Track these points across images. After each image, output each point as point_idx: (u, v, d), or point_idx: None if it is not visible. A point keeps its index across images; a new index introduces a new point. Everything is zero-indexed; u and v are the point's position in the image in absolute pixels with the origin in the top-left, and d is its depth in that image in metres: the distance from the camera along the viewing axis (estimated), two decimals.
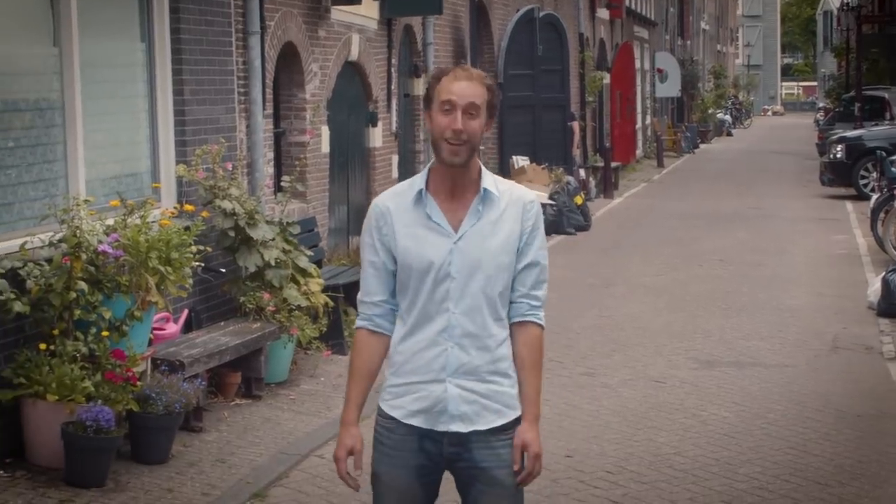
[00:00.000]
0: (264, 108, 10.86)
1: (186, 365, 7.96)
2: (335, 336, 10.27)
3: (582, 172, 23.92)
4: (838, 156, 25.87)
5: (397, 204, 3.98)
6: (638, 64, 35.67)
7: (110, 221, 7.74)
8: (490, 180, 3.99)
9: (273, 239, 9.46)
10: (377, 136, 14.40)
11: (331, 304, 9.91)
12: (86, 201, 7.52)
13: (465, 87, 3.90)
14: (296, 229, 9.98)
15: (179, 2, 9.30)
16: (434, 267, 3.92)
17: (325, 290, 9.92)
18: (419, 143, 16.37)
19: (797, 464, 7.71)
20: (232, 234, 9.27)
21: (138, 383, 7.24)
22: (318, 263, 10.78)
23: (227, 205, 9.20)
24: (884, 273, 13.10)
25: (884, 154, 20.22)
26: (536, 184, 19.53)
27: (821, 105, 63.36)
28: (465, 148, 3.89)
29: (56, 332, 7.11)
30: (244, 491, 7.00)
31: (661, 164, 35.09)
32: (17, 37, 7.87)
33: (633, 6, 35.27)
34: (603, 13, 30.40)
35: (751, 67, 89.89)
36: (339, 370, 9.67)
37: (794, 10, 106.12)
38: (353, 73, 13.78)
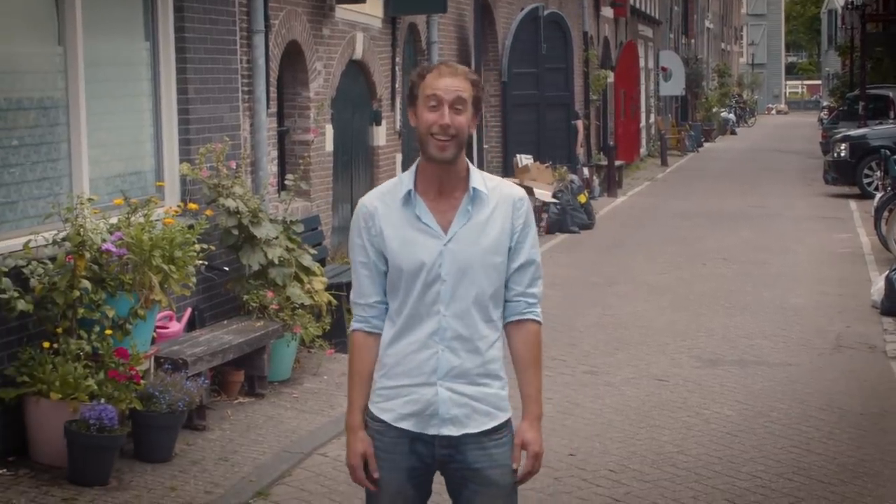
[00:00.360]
0: (268, 107, 10.87)
1: (190, 363, 7.96)
2: (338, 334, 10.28)
3: (586, 171, 23.93)
4: (842, 154, 25.85)
5: (385, 204, 3.93)
6: (642, 62, 35.65)
7: (114, 220, 7.75)
8: (478, 178, 3.94)
9: (276, 237, 9.47)
10: (381, 135, 14.41)
11: (334, 302, 9.92)
12: (89, 200, 7.52)
13: (451, 83, 3.86)
14: (299, 228, 9.99)
15: (184, 0, 9.30)
16: (424, 269, 3.88)
17: (329, 288, 9.93)
18: None
19: (800, 462, 7.71)
20: (235, 232, 9.27)
21: (141, 382, 7.25)
22: (322, 262, 10.79)
23: (230, 203, 9.21)
24: (887, 272, 13.09)
25: (888, 153, 20.22)
26: (540, 182, 19.55)
27: (825, 104, 63.25)
28: (453, 143, 3.85)
29: (59, 330, 7.12)
30: (247, 489, 7.00)
31: (664, 163, 35.05)
32: (22, 36, 7.88)
33: (637, 5, 35.25)
34: (607, 12, 30.39)
35: (755, 66, 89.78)
36: (342, 368, 9.68)
37: (798, 8, 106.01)
38: (357, 71, 13.78)
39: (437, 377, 3.90)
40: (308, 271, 9.75)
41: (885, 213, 16.69)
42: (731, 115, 56.71)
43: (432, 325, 3.89)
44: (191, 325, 8.99)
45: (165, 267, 7.51)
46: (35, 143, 7.83)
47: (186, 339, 8.54)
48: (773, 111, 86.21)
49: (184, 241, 7.74)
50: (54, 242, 7.28)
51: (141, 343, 7.48)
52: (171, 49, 9.25)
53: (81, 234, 7.24)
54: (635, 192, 27.04)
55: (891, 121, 30.76)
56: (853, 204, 23.79)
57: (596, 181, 25.23)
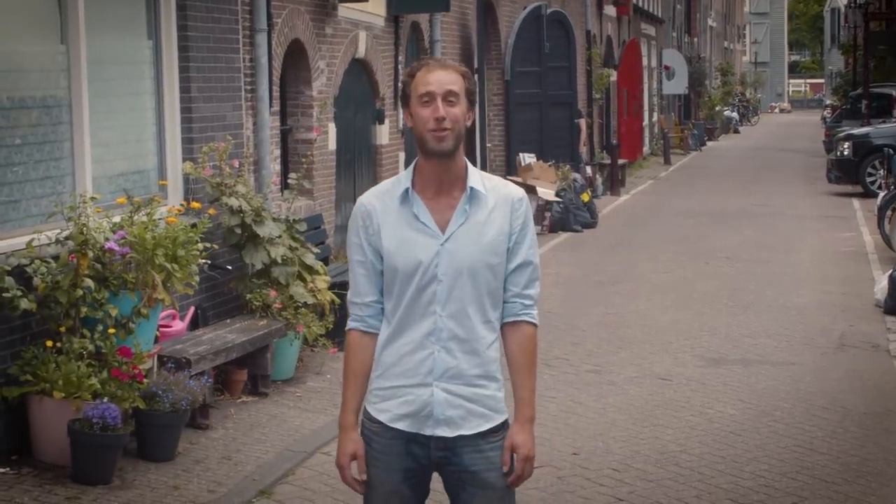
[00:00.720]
0: (271, 106, 10.87)
1: (193, 362, 7.96)
2: (341, 333, 10.16)
3: (589, 170, 23.91)
4: (845, 153, 25.83)
5: (383, 203, 3.91)
6: (645, 61, 35.63)
7: (117, 219, 7.74)
8: (477, 178, 3.92)
9: (279, 236, 9.47)
10: (384, 134, 14.41)
11: (337, 301, 9.91)
12: (92, 198, 7.52)
13: (442, 76, 3.84)
14: (302, 226, 9.98)
15: None
16: (420, 269, 3.85)
17: (332, 287, 9.92)
18: None
19: (803, 461, 7.71)
20: (238, 231, 9.27)
21: (144, 381, 7.25)
22: (325, 261, 10.79)
23: (233, 202, 9.21)
24: (891, 271, 13.07)
25: (891, 151, 20.23)
26: (543, 181, 19.54)
27: (828, 102, 63.25)
28: (450, 134, 3.82)
29: (63, 329, 7.12)
30: (250, 488, 7.00)
31: (667, 162, 35.04)
32: (25, 34, 7.87)
33: (640, 3, 35.23)
34: (610, 10, 30.38)
35: (758, 64, 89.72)
36: None
37: (801, 7, 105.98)
38: (360, 70, 13.78)
39: (433, 378, 3.88)
40: (311, 270, 9.75)
41: (889, 212, 16.68)
42: (734, 114, 56.68)
43: (428, 325, 3.87)
44: (194, 324, 8.99)
45: (168, 266, 7.51)
46: (38, 141, 7.83)
47: (189, 338, 8.54)
48: (777, 110, 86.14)
49: (187, 240, 7.74)
50: (57, 241, 7.28)
51: (144, 342, 7.48)
52: (174, 48, 9.25)
53: (84, 232, 7.24)
54: (638, 191, 27.03)
55: (894, 119, 30.72)
56: (856, 202, 23.78)
57: (599, 180, 25.22)
